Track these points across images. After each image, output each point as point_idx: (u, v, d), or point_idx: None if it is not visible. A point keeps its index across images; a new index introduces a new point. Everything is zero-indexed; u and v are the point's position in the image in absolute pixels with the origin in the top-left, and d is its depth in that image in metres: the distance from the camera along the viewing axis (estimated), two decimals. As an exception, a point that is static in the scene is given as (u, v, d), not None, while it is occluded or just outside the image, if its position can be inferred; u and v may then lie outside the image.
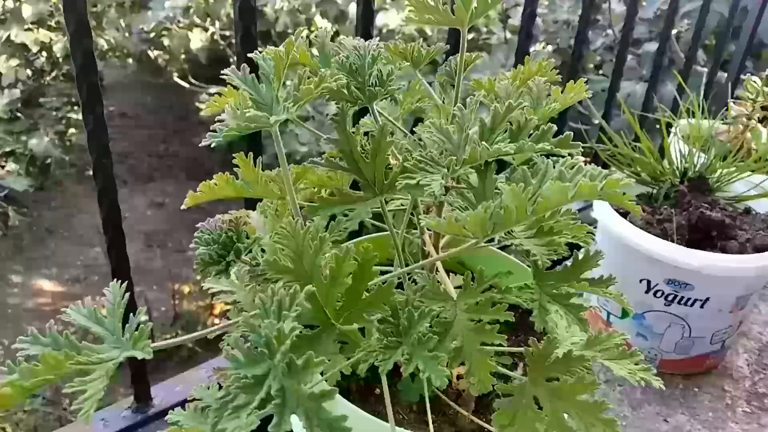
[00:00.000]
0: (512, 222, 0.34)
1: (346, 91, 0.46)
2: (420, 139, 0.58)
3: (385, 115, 0.55)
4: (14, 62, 4.62)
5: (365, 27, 0.80)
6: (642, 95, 3.41)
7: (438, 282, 0.45)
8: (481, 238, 0.36)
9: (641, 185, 1.04)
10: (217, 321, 4.50)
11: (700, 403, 0.94)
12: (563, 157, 0.41)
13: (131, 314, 0.38)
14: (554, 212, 0.40)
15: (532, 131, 0.41)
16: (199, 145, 0.41)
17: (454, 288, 0.49)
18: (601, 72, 3.90)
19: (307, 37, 0.58)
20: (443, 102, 0.65)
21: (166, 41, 4.97)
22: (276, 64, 0.42)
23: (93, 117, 0.64)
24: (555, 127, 0.41)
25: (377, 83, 0.46)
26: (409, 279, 0.51)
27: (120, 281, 0.79)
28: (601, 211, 0.95)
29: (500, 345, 0.40)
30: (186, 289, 4.59)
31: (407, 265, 0.48)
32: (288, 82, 0.48)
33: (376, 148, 0.44)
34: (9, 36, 4.61)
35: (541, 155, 0.43)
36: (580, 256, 0.46)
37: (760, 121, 1.14)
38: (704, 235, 0.91)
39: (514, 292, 0.43)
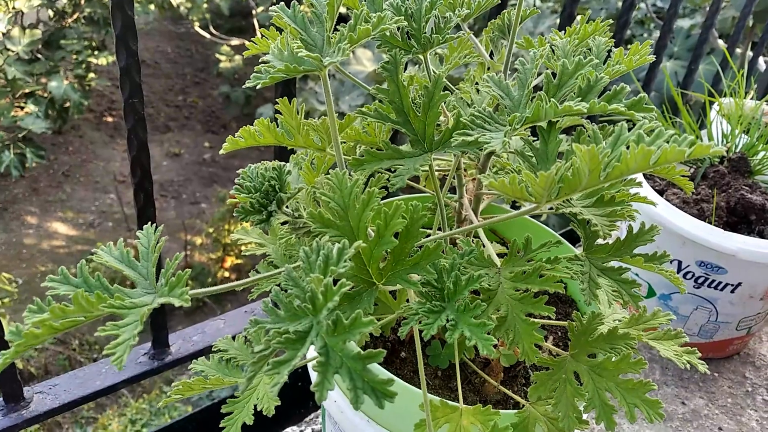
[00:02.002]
0: (581, 186, 0.32)
1: (399, 37, 0.44)
2: (465, 99, 0.55)
3: (433, 69, 0.52)
4: (36, 2, 4.57)
5: None
6: (671, 73, 3.32)
7: (483, 247, 0.43)
8: (541, 203, 0.34)
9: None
10: (227, 274, 4.53)
11: (720, 388, 0.92)
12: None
13: (167, 259, 0.37)
14: (616, 182, 0.38)
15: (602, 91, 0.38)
16: (245, 85, 0.39)
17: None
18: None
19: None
20: (492, 59, 0.62)
21: (189, -11, 4.89)
22: (329, 6, 0.39)
23: (126, 52, 0.61)
24: (628, 88, 0.38)
25: (434, 30, 0.43)
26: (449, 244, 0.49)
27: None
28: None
29: (548, 317, 0.38)
30: (198, 240, 4.62)
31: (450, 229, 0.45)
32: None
33: (428, 101, 0.42)
34: (32, -25, 4.55)
35: (601, 122, 0.40)
36: (635, 230, 0.44)
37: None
38: (742, 218, 0.88)
39: (563, 263, 0.41)
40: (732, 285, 0.86)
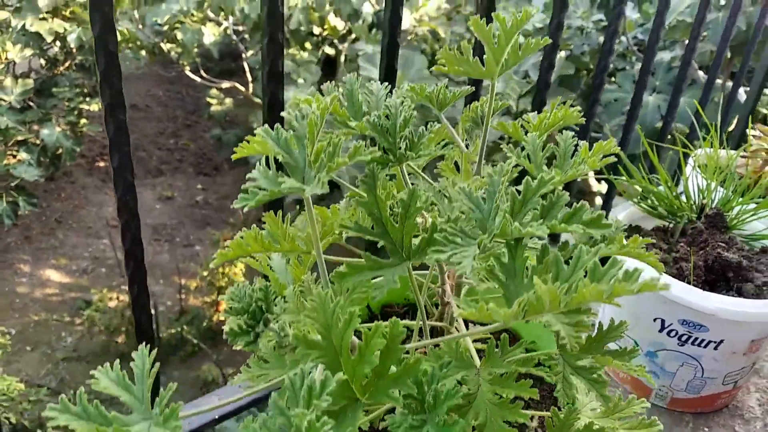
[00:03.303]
0: (544, 311, 0.34)
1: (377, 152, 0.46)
2: (446, 193, 0.58)
3: (413, 167, 0.55)
4: (28, 51, 4.63)
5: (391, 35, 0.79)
6: (654, 107, 3.38)
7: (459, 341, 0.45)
8: (509, 323, 0.36)
9: (657, 218, 1.04)
10: (222, 317, 4.52)
11: (710, 442, 0.94)
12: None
13: (160, 383, 0.39)
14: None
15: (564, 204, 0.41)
16: (232, 206, 0.41)
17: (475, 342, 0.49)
18: (614, 80, 3.88)
19: (336, 85, 0.58)
20: (467, 147, 0.65)
21: (179, 35, 4.97)
22: (309, 129, 0.42)
23: (110, 91, 0.62)
24: (587, 205, 0.41)
25: (408, 146, 0.46)
26: (430, 331, 0.51)
27: (133, 268, 0.78)
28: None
29: (524, 425, 0.40)
30: (193, 284, 4.61)
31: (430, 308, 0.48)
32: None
33: (405, 213, 0.44)
34: (24, 25, 4.62)
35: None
36: (605, 326, 0.46)
37: (779, 155, 1.13)
38: (720, 275, 0.91)
39: (541, 360, 0.43)
40: (714, 342, 0.88)
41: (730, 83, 3.25)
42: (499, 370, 0.43)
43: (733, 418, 0.97)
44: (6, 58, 4.44)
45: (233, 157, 0.54)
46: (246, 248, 0.48)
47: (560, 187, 0.50)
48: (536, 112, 0.69)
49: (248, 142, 0.49)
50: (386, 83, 0.57)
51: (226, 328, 0.40)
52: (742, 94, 2.71)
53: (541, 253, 0.39)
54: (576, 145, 0.56)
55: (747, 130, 1.18)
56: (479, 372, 0.45)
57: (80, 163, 5.56)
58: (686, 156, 1.23)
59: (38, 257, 4.78)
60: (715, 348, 0.88)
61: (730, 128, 2.48)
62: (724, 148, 1.22)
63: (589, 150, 0.55)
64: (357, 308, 0.38)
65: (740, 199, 1.00)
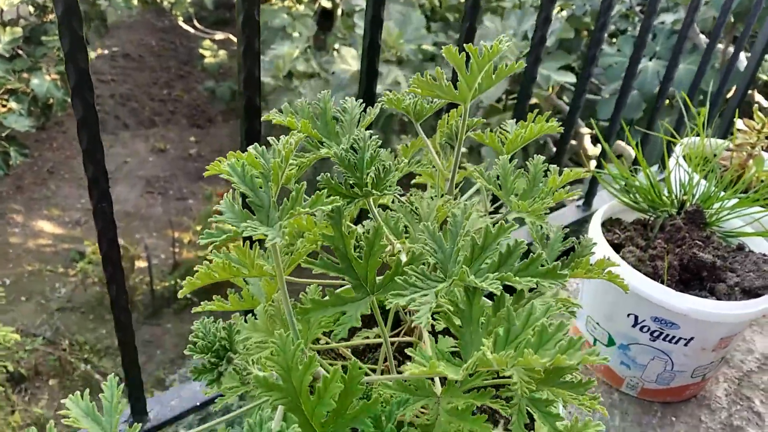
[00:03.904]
0: (493, 368, 0.36)
1: (343, 187, 0.47)
2: (416, 209, 0.58)
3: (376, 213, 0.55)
4: (16, -1, 4.52)
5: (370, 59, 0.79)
6: (653, 72, 3.34)
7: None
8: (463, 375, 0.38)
9: (638, 212, 1.05)
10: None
11: None
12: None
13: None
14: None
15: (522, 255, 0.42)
16: (199, 241, 0.42)
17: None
18: (614, 41, 3.82)
19: (309, 103, 0.57)
20: (442, 159, 0.65)
21: (172, -17, 4.85)
22: (274, 171, 0.42)
23: (70, 36, 0.59)
24: (543, 255, 0.41)
25: (375, 182, 0.46)
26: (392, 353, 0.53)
27: (103, 226, 0.77)
28: (595, 239, 0.96)
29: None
30: (186, 238, 4.64)
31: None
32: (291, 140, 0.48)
33: (369, 250, 0.45)
34: (11, -29, 4.49)
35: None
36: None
37: (766, 149, 1.14)
38: (694, 275, 0.92)
39: (502, 390, 0.44)
40: (685, 339, 0.90)
41: (731, 49, 3.19)
42: (457, 402, 0.45)
43: (700, 408, 1.00)
44: (-6, 5, 4.33)
45: (205, 174, 0.54)
46: (214, 276, 0.49)
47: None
48: (518, 118, 0.69)
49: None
50: (361, 101, 0.57)
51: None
52: (743, 60, 2.66)
53: (497, 303, 0.40)
54: (546, 171, 0.56)
55: (734, 120, 1.18)
56: (439, 401, 0.46)
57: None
58: (672, 145, 1.23)
59: (31, 207, 4.78)
60: (685, 344, 0.91)
61: (729, 95, 2.46)
62: (711, 137, 1.22)
63: (560, 175, 0.55)
64: (316, 353, 0.39)
65: (722, 194, 1.01)
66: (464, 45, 0.49)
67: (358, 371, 0.41)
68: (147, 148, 5.36)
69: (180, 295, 0.49)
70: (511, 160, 0.59)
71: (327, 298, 0.45)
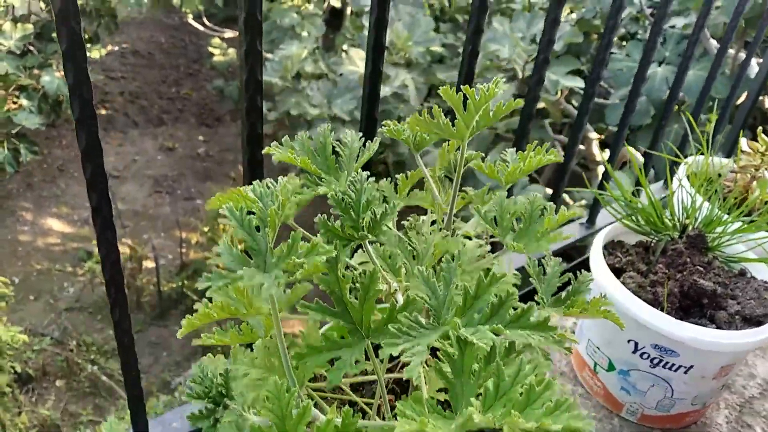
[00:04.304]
0: (481, 427, 0.36)
1: (339, 229, 0.47)
2: (410, 242, 0.58)
3: (374, 250, 0.55)
4: (28, -5, 4.54)
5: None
6: (662, 78, 3.31)
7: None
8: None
9: (640, 234, 1.05)
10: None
11: (675, 456, 0.97)
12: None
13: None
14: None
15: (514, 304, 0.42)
16: (197, 285, 0.42)
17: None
18: (624, 44, 3.79)
19: (309, 137, 0.58)
20: (441, 189, 0.66)
21: (182, -18, 4.86)
22: (271, 218, 0.42)
23: (68, 33, 0.56)
24: (534, 307, 0.42)
25: (371, 225, 0.47)
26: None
27: (102, 228, 0.75)
28: (597, 266, 0.96)
29: None
30: (194, 238, 4.65)
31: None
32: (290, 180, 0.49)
33: (364, 294, 0.45)
34: (23, -32, 4.52)
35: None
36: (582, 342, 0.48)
37: (770, 170, 1.13)
38: (695, 302, 0.92)
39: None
40: (685, 367, 0.90)
41: (742, 54, 3.15)
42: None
43: (699, 434, 1.00)
44: (5, 2, 4.36)
45: (207, 207, 0.55)
46: (213, 316, 0.49)
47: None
48: (516, 148, 0.69)
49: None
50: (361, 135, 0.58)
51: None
52: (754, 65, 2.62)
53: (488, 356, 0.40)
54: (543, 209, 0.56)
55: (738, 143, 1.17)
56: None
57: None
58: (676, 165, 1.22)
59: (40, 205, 4.81)
60: (685, 372, 0.90)
61: (739, 101, 2.43)
62: (717, 153, 1.22)
63: (555, 214, 0.56)
64: (311, 403, 0.40)
65: (725, 218, 1.01)
66: (461, 87, 0.49)
67: (351, 420, 0.41)
68: (155, 147, 5.39)
69: (179, 335, 0.50)
70: (509, 195, 0.60)
71: (323, 343, 0.45)
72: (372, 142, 0.59)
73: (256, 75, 0.69)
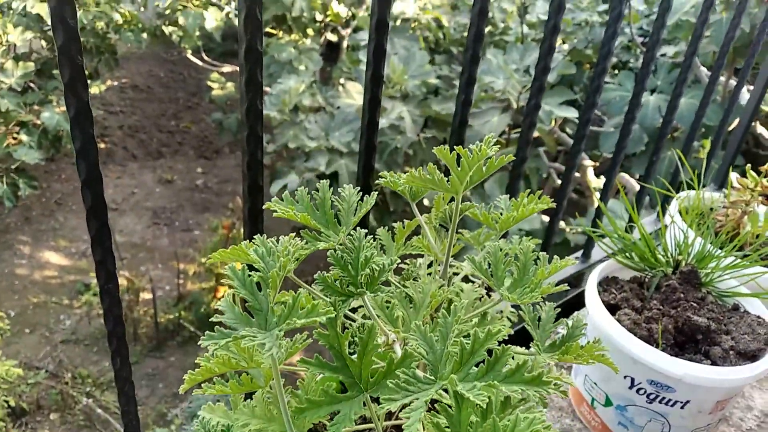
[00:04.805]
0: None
1: (338, 287, 0.49)
2: (405, 291, 0.60)
3: (371, 305, 0.56)
4: (29, 34, 4.61)
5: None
6: (654, 107, 3.36)
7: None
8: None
9: (634, 270, 1.06)
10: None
11: (675, 490, 0.97)
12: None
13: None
14: None
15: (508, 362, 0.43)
16: (200, 343, 0.44)
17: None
18: (616, 72, 3.85)
19: (309, 192, 0.60)
20: (436, 237, 0.67)
21: (180, 19, 4.94)
22: (272, 279, 0.44)
23: (70, 65, 0.58)
24: (529, 362, 0.43)
25: (369, 281, 0.48)
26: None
27: (101, 258, 0.75)
28: (592, 303, 0.97)
29: None
30: (191, 269, 4.65)
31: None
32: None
33: (363, 350, 0.47)
34: (24, 6, 4.60)
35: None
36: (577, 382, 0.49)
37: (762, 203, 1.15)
38: (689, 338, 0.93)
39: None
40: (681, 402, 0.91)
41: (732, 82, 3.20)
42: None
43: (698, 469, 1.00)
44: (7, 41, 4.42)
45: (207, 262, 0.56)
46: (214, 370, 0.50)
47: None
48: (509, 196, 0.71)
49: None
50: (358, 189, 0.59)
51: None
52: (745, 93, 2.65)
53: (485, 411, 0.41)
54: (536, 259, 0.58)
55: (729, 174, 1.20)
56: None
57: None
58: (668, 199, 1.25)
59: (38, 238, 4.82)
60: (682, 407, 0.91)
61: (731, 127, 2.46)
62: (704, 186, 1.24)
63: (548, 264, 0.57)
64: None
65: (718, 253, 1.03)
66: (455, 147, 0.51)
67: (351, 475, 0.42)
68: (154, 179, 5.42)
69: (181, 390, 0.51)
70: (504, 236, 0.61)
71: (322, 398, 0.46)
72: (371, 174, 0.61)
73: (257, 104, 0.71)
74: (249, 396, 0.58)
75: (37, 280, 4.44)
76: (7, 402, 3.46)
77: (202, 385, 0.60)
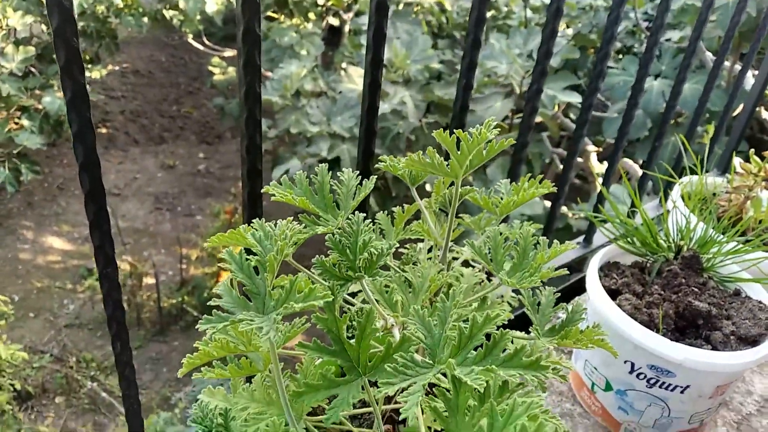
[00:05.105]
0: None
1: (337, 271, 0.49)
2: (404, 275, 0.60)
3: (370, 290, 0.56)
4: (29, 18, 4.59)
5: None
6: (658, 92, 3.33)
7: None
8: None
9: (635, 255, 1.06)
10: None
11: (674, 474, 0.98)
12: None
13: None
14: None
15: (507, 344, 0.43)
16: (198, 326, 0.44)
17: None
18: (621, 57, 3.82)
19: (308, 176, 0.59)
20: (437, 221, 0.67)
21: (181, 3, 4.91)
22: (270, 263, 0.44)
23: (66, 48, 0.57)
24: (528, 347, 0.43)
25: (367, 266, 0.48)
26: None
27: (100, 242, 0.75)
28: (593, 288, 0.97)
29: None
30: (194, 254, 4.66)
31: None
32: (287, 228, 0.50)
33: (361, 334, 0.47)
34: (24, -10, 4.57)
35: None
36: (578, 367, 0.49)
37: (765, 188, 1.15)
38: (690, 322, 0.93)
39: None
40: (681, 387, 0.91)
41: (737, 66, 3.17)
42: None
43: (697, 453, 1.01)
44: (7, 25, 4.40)
45: (207, 246, 0.56)
46: (212, 354, 0.50)
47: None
48: (509, 181, 0.70)
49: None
50: (358, 173, 0.59)
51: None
52: (750, 78, 2.63)
53: (483, 395, 0.41)
54: (536, 243, 0.57)
55: (732, 160, 1.19)
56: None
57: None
58: (671, 185, 1.24)
59: (41, 223, 4.83)
60: (682, 392, 0.91)
61: (735, 113, 2.44)
62: (711, 170, 1.23)
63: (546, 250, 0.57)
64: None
65: (720, 238, 1.02)
66: (455, 130, 0.51)
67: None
68: (156, 164, 5.41)
69: (179, 374, 0.51)
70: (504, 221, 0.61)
71: (320, 381, 0.46)
72: (371, 159, 0.61)
73: (255, 87, 0.70)
74: (250, 380, 0.58)
75: (40, 265, 4.46)
76: (12, 385, 3.48)
77: (201, 369, 0.60)
